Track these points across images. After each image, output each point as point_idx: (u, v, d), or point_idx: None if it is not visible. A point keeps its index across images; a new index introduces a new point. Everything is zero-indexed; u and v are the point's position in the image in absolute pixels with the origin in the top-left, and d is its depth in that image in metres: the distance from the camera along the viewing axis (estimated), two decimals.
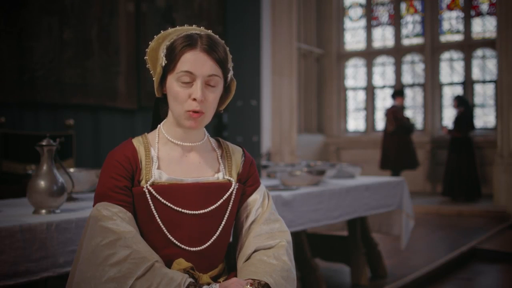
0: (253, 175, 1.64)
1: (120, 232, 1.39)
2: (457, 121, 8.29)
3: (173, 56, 1.46)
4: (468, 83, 9.68)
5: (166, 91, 1.51)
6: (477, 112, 9.55)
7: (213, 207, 1.52)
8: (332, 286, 3.73)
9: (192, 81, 1.44)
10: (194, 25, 1.54)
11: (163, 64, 1.47)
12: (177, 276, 1.37)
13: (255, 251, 1.53)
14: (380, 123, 10.49)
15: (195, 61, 1.44)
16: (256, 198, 1.61)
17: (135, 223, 1.47)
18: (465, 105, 8.37)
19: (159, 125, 1.58)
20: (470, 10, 9.71)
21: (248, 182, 1.62)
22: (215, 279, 1.53)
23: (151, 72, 1.56)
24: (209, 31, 1.53)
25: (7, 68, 4.17)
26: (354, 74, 10.95)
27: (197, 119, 1.46)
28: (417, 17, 10.32)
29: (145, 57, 1.55)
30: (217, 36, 1.51)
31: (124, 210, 1.45)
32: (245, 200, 1.61)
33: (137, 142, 1.54)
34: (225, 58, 1.49)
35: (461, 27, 9.87)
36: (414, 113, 10.26)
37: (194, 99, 1.43)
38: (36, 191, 1.92)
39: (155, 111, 1.63)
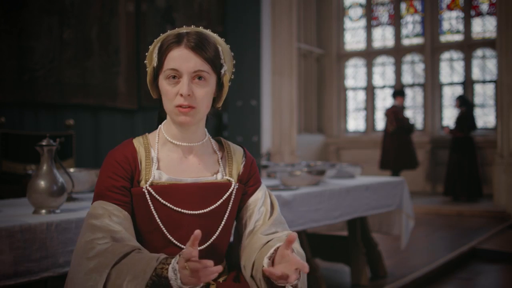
0: (254, 175, 1.64)
1: (109, 230, 1.40)
2: (459, 121, 8.29)
3: (161, 55, 1.48)
4: (468, 83, 9.68)
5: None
6: (477, 112, 9.55)
7: (213, 207, 1.52)
8: (332, 286, 3.72)
9: (179, 78, 1.45)
10: (193, 26, 1.55)
11: (155, 64, 1.49)
12: (153, 255, 1.36)
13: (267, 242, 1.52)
14: (380, 123, 10.49)
15: (179, 58, 1.44)
16: (257, 198, 1.61)
17: (131, 222, 1.47)
18: (466, 105, 8.38)
19: (160, 126, 1.58)
20: (470, 10, 9.71)
21: (249, 182, 1.62)
22: (215, 279, 1.53)
23: None
24: (200, 28, 1.52)
25: (7, 68, 4.17)
26: (354, 74, 10.95)
27: (187, 113, 1.45)
28: (417, 17, 10.32)
29: (145, 61, 1.56)
30: (209, 33, 1.51)
31: (119, 209, 1.45)
32: (247, 200, 1.61)
33: (137, 142, 1.54)
34: (215, 55, 1.48)
35: (461, 27, 9.87)
36: (414, 113, 10.26)
37: (181, 95, 1.44)
38: (36, 191, 1.92)
39: (159, 112, 1.63)
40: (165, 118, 1.59)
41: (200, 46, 1.45)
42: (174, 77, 1.45)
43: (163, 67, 1.47)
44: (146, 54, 1.55)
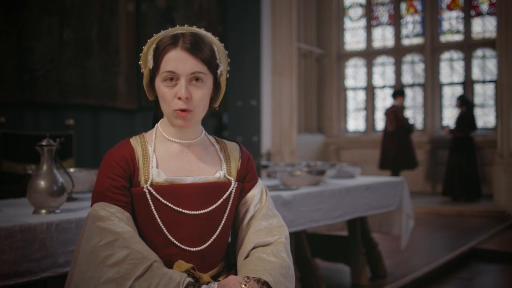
0: (251, 171, 1.64)
1: (118, 232, 1.39)
2: (459, 121, 8.30)
3: (157, 57, 1.47)
4: (468, 83, 9.68)
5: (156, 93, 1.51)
6: (477, 112, 9.54)
7: (213, 207, 1.52)
8: (332, 286, 3.72)
9: (177, 80, 1.45)
10: (186, 25, 1.54)
11: (151, 66, 1.49)
12: (176, 275, 1.37)
13: (254, 248, 1.54)
14: (380, 123, 10.48)
15: (176, 60, 1.44)
16: (254, 194, 1.61)
17: (133, 223, 1.47)
18: (467, 105, 8.38)
19: (156, 125, 1.58)
20: (470, 10, 9.71)
21: (246, 178, 1.62)
22: (215, 278, 1.53)
23: None
24: (193, 27, 1.52)
25: (7, 68, 4.17)
26: (354, 74, 10.95)
27: (185, 117, 1.46)
28: (417, 17, 10.32)
29: (139, 62, 1.56)
30: (204, 33, 1.51)
31: (122, 210, 1.44)
32: (244, 196, 1.61)
33: (134, 141, 1.54)
34: (211, 55, 1.48)
35: (461, 27, 9.86)
36: (414, 113, 10.26)
37: (179, 98, 1.44)
38: (36, 191, 1.92)
39: (155, 112, 1.63)
40: (160, 117, 1.59)
41: (196, 47, 1.45)
42: (171, 79, 1.45)
43: (160, 70, 1.46)
44: (140, 54, 1.54)
